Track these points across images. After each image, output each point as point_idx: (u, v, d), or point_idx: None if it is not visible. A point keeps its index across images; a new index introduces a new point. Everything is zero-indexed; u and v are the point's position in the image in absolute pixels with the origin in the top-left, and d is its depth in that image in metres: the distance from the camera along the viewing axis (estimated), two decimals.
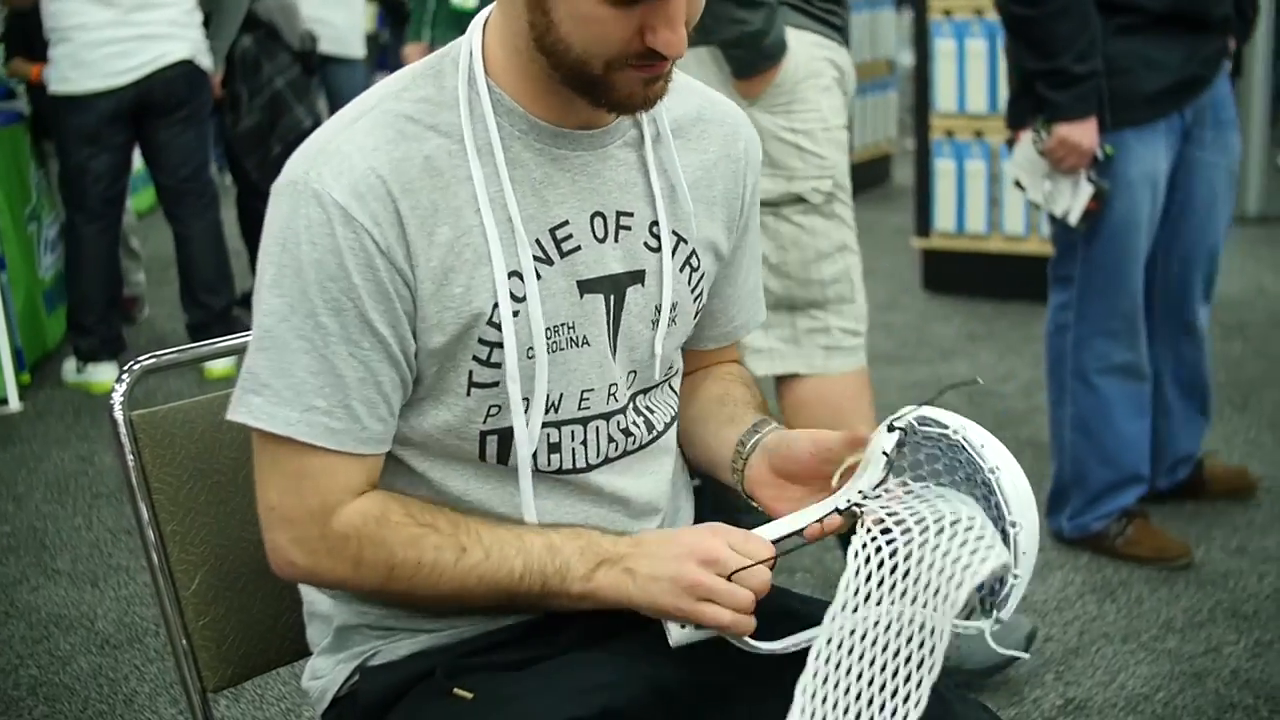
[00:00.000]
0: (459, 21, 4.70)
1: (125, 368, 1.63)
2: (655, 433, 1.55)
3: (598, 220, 1.46)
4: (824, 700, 1.26)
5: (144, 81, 4.75)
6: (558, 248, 1.43)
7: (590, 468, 1.49)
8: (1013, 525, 1.34)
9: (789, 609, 1.49)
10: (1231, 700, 2.80)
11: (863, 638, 1.28)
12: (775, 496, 1.51)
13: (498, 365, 1.41)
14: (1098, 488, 3.40)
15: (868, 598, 1.30)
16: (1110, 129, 3.12)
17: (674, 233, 1.51)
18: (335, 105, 6.04)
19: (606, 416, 1.50)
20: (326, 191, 1.35)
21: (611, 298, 1.48)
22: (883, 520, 1.35)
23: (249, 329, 1.43)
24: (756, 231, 1.65)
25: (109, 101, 4.72)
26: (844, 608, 1.30)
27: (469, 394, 1.42)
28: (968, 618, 1.34)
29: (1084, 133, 3.07)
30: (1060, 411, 3.43)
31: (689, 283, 1.55)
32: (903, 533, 1.34)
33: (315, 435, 1.37)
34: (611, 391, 1.49)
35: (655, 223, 1.49)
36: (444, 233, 1.38)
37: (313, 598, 1.55)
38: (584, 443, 1.48)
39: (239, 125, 5.34)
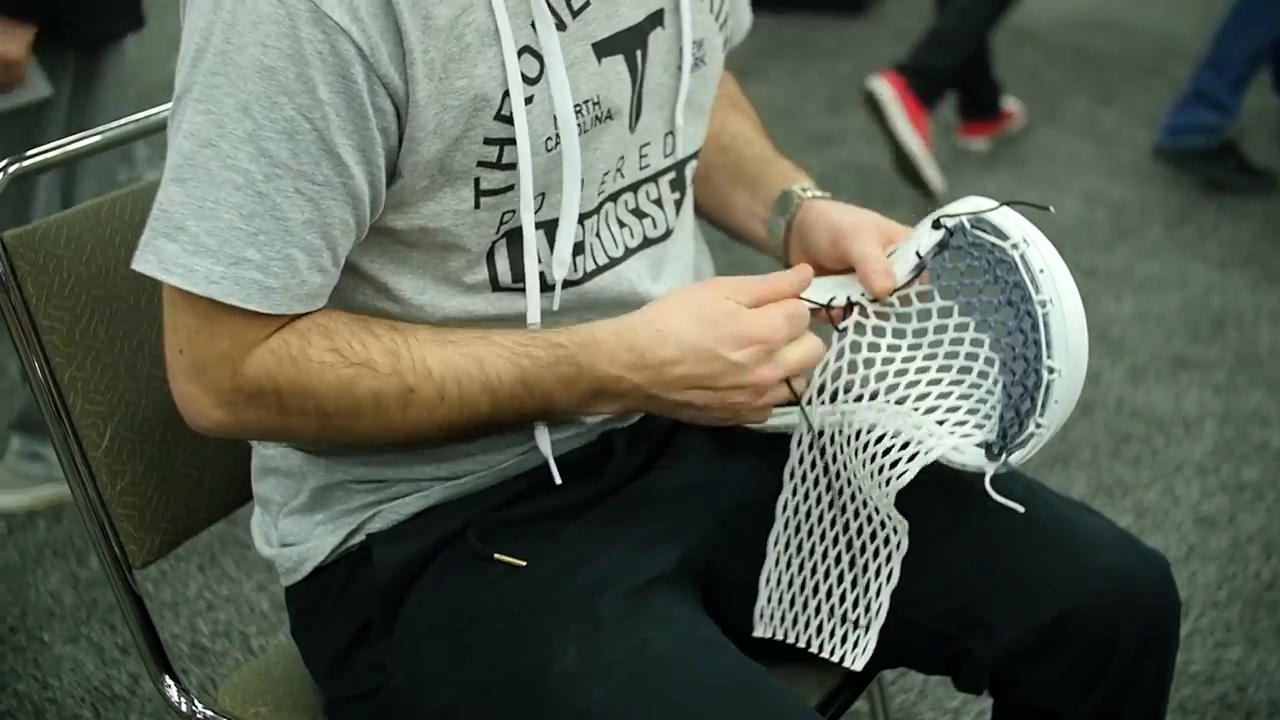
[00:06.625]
0: None
1: None
2: (669, 226, 1.28)
3: None
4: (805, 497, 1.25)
5: None
6: (568, 5, 1.12)
7: (613, 263, 1.22)
8: (1050, 370, 1.13)
9: None
10: (1124, 431, 2.73)
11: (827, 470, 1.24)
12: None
13: (510, 166, 1.11)
14: None
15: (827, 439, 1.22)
16: None
17: None
18: None
19: (615, 196, 1.22)
20: None
21: (638, 53, 1.18)
22: (858, 352, 1.20)
23: None
24: None
25: None
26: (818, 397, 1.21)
27: (478, 206, 1.12)
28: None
29: None
30: None
31: (712, 10, 1.26)
32: (870, 395, 1.21)
33: (246, 296, 1.05)
34: (619, 167, 1.21)
35: None
36: (442, 12, 1.05)
37: (272, 450, 1.24)
38: (598, 235, 1.21)
39: None
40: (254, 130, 1.02)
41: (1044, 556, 1.24)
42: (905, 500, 1.19)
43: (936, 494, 1.23)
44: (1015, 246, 1.15)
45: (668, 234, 1.28)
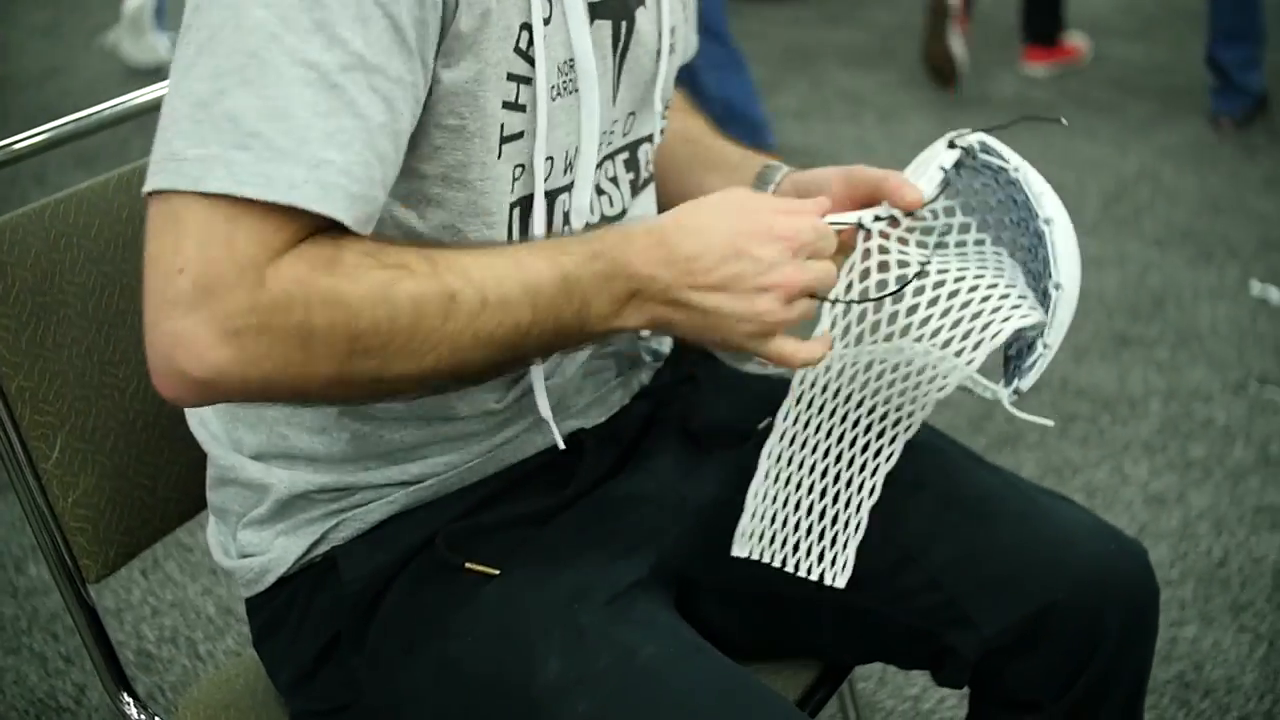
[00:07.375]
0: None
1: None
2: (624, 206, 1.26)
3: None
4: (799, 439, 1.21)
5: None
6: None
7: None
8: (1056, 287, 1.14)
9: None
10: (1070, 410, 2.74)
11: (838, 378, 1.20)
12: None
13: (523, 109, 1.07)
14: None
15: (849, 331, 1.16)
16: None
17: None
18: None
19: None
20: None
21: (623, 24, 1.16)
22: (887, 254, 1.13)
23: None
24: None
25: None
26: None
27: (500, 156, 1.07)
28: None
29: None
30: None
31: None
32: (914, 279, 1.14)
33: (330, 203, 0.92)
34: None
35: None
36: None
37: (232, 461, 1.20)
38: (568, 210, 1.18)
39: None
40: (326, 18, 0.92)
41: (1024, 549, 1.23)
42: (884, 497, 1.18)
43: (916, 490, 1.22)
44: (1016, 169, 1.17)
45: (622, 214, 1.25)
